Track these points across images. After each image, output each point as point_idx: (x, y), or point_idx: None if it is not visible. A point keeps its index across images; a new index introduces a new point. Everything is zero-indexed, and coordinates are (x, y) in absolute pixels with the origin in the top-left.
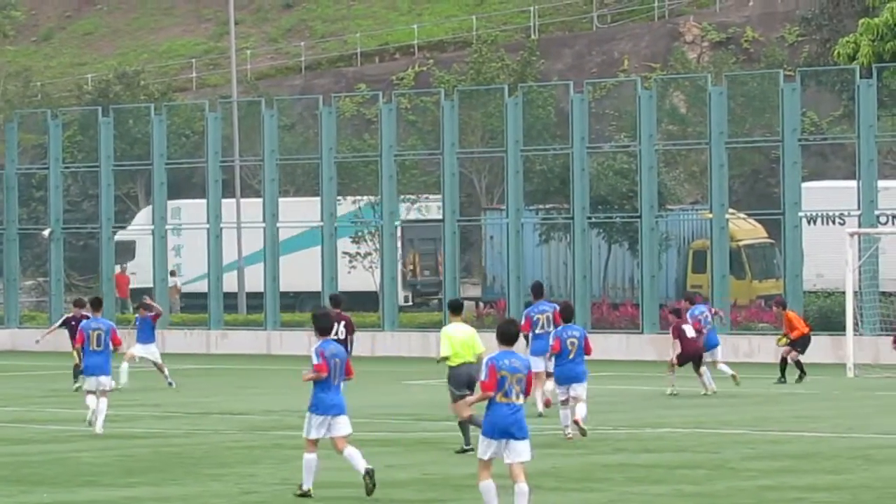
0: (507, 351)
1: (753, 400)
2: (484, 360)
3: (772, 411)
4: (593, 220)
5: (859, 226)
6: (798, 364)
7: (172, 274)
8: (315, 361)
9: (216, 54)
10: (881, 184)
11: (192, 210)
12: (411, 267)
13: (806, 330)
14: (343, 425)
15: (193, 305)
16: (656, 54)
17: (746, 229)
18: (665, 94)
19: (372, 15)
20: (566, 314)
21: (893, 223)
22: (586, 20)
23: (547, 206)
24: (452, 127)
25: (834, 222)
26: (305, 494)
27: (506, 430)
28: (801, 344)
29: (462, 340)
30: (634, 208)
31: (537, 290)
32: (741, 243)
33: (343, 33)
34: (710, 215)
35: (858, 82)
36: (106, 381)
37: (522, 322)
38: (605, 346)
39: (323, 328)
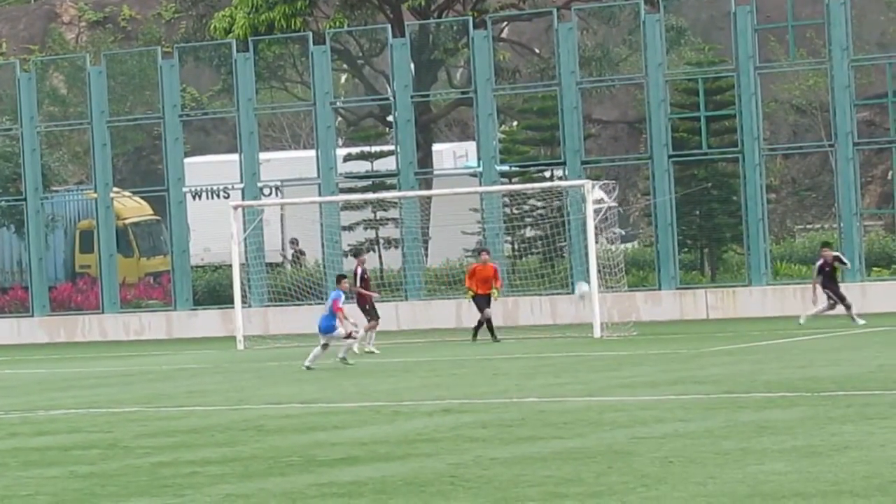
0: None
1: (146, 377)
2: None
3: (164, 388)
4: None
5: (243, 198)
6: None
7: None
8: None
9: None
10: (262, 156)
11: None
12: None
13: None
14: None
15: None
16: (34, 36)
17: (132, 207)
18: (44, 75)
19: None
20: None
21: (276, 195)
22: None
23: None
24: None
25: (219, 196)
26: None
27: None
28: None
29: None
30: (19, 191)
31: None
32: (127, 221)
33: None
34: (95, 195)
35: (235, 56)
36: None
37: None
38: None
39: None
